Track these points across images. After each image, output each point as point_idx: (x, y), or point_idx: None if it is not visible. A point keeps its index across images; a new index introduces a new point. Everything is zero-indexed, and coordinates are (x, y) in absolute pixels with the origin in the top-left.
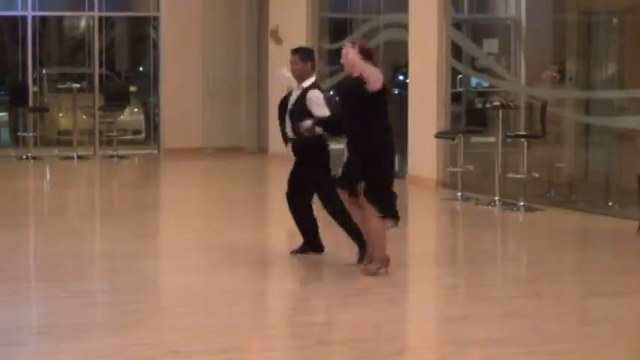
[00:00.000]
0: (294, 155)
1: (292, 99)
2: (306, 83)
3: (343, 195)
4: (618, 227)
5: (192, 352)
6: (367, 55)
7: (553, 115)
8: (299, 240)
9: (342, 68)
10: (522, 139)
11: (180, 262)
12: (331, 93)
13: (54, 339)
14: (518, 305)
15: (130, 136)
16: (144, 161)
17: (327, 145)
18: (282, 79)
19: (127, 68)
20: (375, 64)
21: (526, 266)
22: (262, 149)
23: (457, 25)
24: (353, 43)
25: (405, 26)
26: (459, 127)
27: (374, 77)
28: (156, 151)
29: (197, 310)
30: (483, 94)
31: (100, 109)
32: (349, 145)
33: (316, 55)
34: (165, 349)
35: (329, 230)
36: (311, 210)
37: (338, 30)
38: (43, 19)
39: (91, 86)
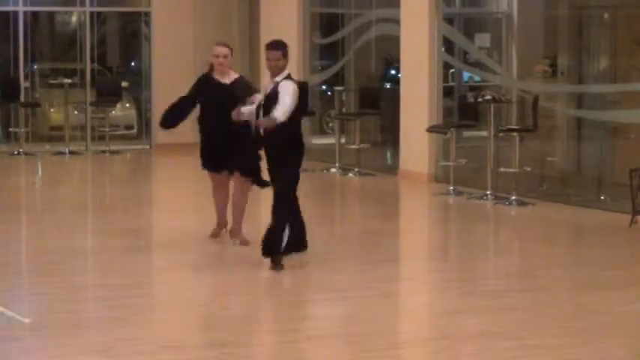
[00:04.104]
0: None
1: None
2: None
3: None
4: (610, 221)
5: (185, 347)
6: None
7: (545, 109)
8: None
9: (333, 63)
10: (514, 133)
11: (173, 257)
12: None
13: (47, 334)
14: (511, 299)
15: (122, 132)
16: (136, 156)
17: None
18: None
19: (119, 63)
20: None
21: (518, 260)
22: None
23: (449, 20)
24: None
25: (396, 21)
26: (451, 122)
27: None
28: (148, 147)
29: (190, 305)
30: (475, 89)
31: (92, 104)
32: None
33: None
34: (158, 344)
35: (321, 224)
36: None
37: (330, 25)
38: (35, 14)
39: (83, 81)
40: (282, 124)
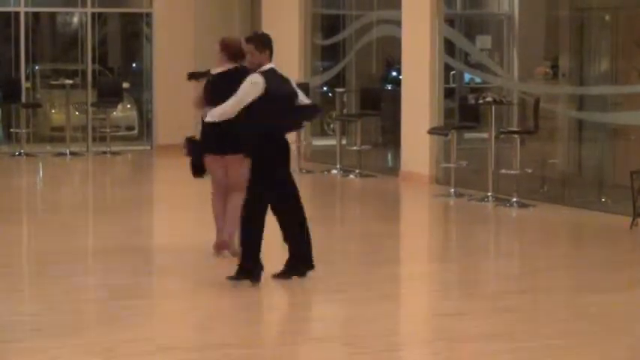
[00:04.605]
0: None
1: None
2: None
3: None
4: (611, 223)
5: (185, 348)
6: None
7: (546, 110)
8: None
9: (334, 64)
10: (515, 135)
11: (174, 258)
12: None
13: (47, 335)
14: (511, 301)
15: (123, 133)
16: (137, 157)
17: None
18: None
19: (120, 64)
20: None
21: (519, 262)
22: None
23: (450, 21)
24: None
25: (397, 22)
26: (452, 123)
27: None
28: (149, 148)
29: (190, 306)
30: (476, 90)
31: (93, 105)
32: None
33: None
34: (159, 345)
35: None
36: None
37: (331, 26)
38: (36, 14)
39: (84, 82)
40: None
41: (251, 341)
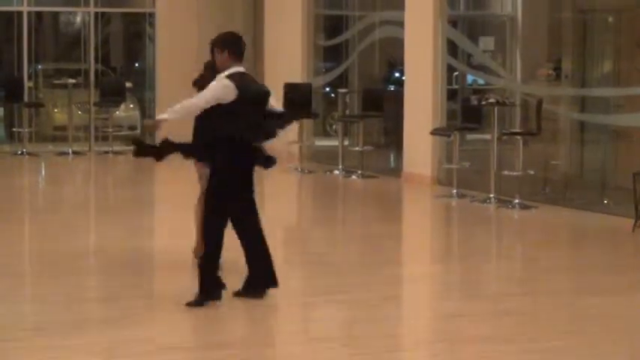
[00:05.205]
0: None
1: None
2: None
3: None
4: (613, 225)
5: (185, 349)
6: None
7: (548, 112)
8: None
9: (336, 65)
10: (518, 137)
11: (174, 258)
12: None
13: (48, 335)
14: (512, 303)
15: (126, 132)
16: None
17: None
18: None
19: (123, 64)
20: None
21: (520, 264)
22: None
23: (453, 23)
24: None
25: (400, 23)
26: (455, 124)
27: None
28: None
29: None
30: (479, 91)
31: (96, 104)
32: None
33: None
34: (160, 345)
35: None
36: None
37: (334, 27)
38: (39, 14)
39: (87, 82)
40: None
41: (251, 341)
